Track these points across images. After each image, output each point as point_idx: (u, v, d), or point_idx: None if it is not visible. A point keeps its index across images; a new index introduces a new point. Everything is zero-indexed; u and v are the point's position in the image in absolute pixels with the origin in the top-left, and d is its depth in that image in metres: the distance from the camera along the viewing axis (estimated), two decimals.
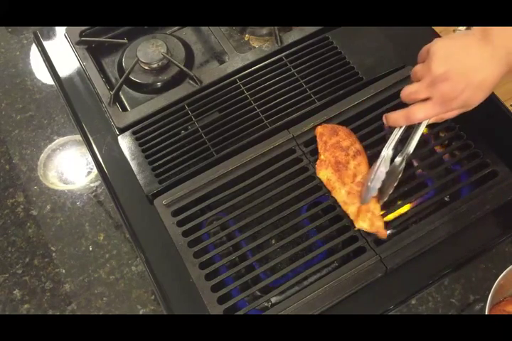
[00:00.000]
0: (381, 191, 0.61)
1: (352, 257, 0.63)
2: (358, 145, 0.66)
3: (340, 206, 0.63)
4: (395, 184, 0.61)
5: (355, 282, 0.60)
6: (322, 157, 0.66)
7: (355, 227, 0.62)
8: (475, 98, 0.55)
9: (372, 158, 0.67)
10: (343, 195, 0.63)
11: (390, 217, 0.64)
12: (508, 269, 0.56)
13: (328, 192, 0.65)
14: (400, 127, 0.61)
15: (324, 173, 0.65)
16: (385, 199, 0.61)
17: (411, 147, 0.61)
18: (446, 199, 0.67)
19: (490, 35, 0.53)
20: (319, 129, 0.68)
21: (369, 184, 0.61)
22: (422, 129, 0.60)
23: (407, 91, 0.57)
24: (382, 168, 0.61)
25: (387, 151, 0.61)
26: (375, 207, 0.61)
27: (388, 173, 0.61)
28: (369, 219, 0.60)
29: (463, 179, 0.67)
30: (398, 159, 0.62)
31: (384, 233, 0.60)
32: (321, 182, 0.65)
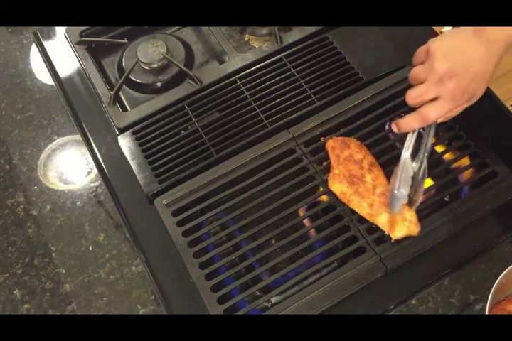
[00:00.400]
0: (410, 197, 0.60)
1: (352, 257, 0.63)
2: (370, 158, 0.65)
3: (340, 205, 0.64)
4: (423, 188, 0.60)
5: (355, 282, 0.60)
6: (336, 171, 0.64)
7: (392, 239, 0.61)
8: (480, 88, 0.57)
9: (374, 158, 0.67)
10: (366, 207, 0.62)
11: None
12: (509, 268, 0.56)
13: (328, 192, 0.65)
14: (414, 130, 0.60)
15: (338, 187, 0.63)
16: (417, 204, 0.61)
17: (428, 148, 0.61)
18: (446, 199, 0.67)
19: (482, 31, 0.55)
20: (330, 143, 0.67)
21: (396, 192, 0.59)
22: (433, 129, 0.60)
23: (414, 95, 0.57)
24: (405, 174, 0.60)
25: (405, 156, 0.60)
26: (411, 215, 0.61)
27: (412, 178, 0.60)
28: (407, 228, 0.60)
29: (463, 179, 0.67)
30: (415, 165, 0.60)
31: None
32: (328, 190, 0.65)
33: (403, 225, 0.60)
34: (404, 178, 0.60)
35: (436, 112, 0.57)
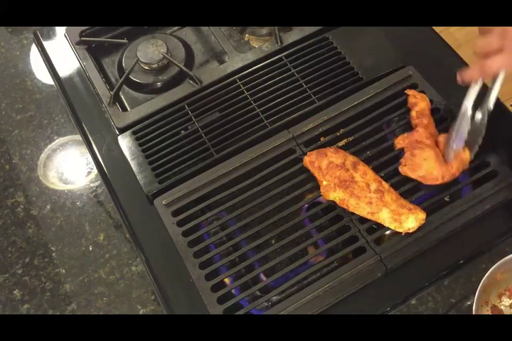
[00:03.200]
0: (469, 147, 0.63)
1: (352, 257, 0.63)
2: (351, 158, 0.65)
3: (338, 206, 0.64)
4: (481, 138, 0.62)
5: (355, 282, 0.60)
6: (324, 183, 0.64)
7: (402, 233, 0.61)
8: None
9: (373, 158, 0.67)
10: (365, 207, 0.61)
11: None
12: (491, 269, 0.57)
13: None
14: (477, 83, 0.61)
15: (334, 195, 0.63)
16: (474, 153, 0.63)
17: (491, 101, 0.61)
18: (446, 199, 0.67)
19: None
20: (306, 159, 0.66)
21: (452, 144, 0.62)
22: (499, 82, 0.60)
23: (479, 45, 0.57)
24: (463, 126, 0.62)
25: (465, 107, 0.61)
26: (405, 202, 0.61)
27: (471, 130, 0.62)
28: (414, 215, 0.60)
29: (463, 179, 0.67)
30: (479, 114, 0.62)
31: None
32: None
33: (410, 214, 0.60)
34: (461, 130, 0.62)
35: (499, 63, 0.56)
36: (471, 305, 0.55)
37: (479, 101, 0.62)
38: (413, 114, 0.68)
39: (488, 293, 0.61)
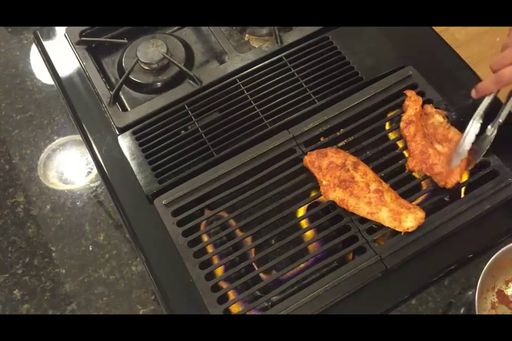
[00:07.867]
0: (469, 160, 0.64)
1: (352, 257, 0.63)
2: (352, 158, 0.65)
3: (338, 206, 0.64)
4: (483, 153, 0.63)
5: (355, 282, 0.60)
6: (324, 182, 0.64)
7: (401, 232, 0.61)
8: None
9: (373, 159, 0.67)
10: (364, 207, 0.61)
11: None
12: (494, 256, 0.57)
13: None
14: (489, 95, 0.63)
15: (334, 195, 0.63)
16: (473, 165, 0.64)
17: (503, 115, 0.63)
18: (446, 199, 0.67)
19: None
20: (307, 159, 0.66)
21: (459, 150, 0.63)
22: None
23: (495, 59, 0.60)
24: (471, 132, 0.63)
25: (476, 115, 0.63)
26: (404, 202, 0.62)
27: (479, 141, 0.63)
28: (413, 215, 0.60)
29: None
30: (490, 128, 0.63)
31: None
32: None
33: (409, 213, 0.60)
34: (469, 137, 0.63)
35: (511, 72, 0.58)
36: (472, 304, 0.55)
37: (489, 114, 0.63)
38: (401, 124, 0.68)
39: (496, 278, 0.61)
